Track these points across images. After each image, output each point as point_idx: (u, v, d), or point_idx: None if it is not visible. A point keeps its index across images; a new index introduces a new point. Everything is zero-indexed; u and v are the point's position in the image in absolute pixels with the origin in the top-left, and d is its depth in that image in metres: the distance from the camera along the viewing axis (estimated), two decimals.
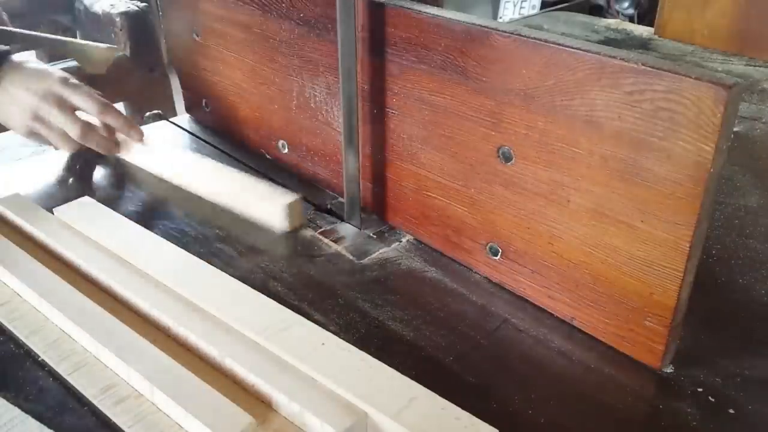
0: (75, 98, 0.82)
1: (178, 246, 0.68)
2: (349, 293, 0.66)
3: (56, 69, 0.85)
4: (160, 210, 0.80)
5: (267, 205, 0.75)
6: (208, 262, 0.65)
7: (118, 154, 0.88)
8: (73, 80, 0.84)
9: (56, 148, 0.86)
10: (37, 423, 0.51)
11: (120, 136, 0.87)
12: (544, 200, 0.60)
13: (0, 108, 0.82)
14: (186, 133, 0.99)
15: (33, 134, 0.84)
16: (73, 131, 0.82)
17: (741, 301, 0.66)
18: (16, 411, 0.52)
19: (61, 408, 0.52)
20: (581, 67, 0.53)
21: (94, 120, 0.85)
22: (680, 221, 0.51)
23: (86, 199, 0.75)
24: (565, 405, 0.54)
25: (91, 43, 0.98)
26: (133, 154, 0.88)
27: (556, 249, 0.61)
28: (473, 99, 0.62)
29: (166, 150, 0.87)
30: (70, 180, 0.86)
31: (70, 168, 0.88)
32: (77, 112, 0.84)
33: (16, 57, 0.83)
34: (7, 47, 0.83)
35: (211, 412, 0.48)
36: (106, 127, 0.86)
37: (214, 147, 0.94)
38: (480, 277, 0.69)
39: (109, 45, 0.97)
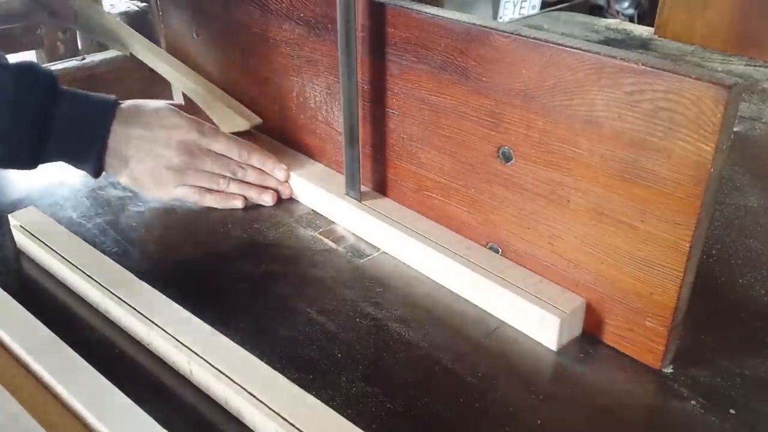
0: (216, 145, 0.77)
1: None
2: (349, 293, 0.66)
3: (180, 114, 0.76)
4: (161, 212, 0.79)
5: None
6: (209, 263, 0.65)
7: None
8: (207, 125, 0.77)
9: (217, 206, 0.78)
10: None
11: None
12: (544, 200, 0.60)
13: (134, 171, 0.74)
14: None
15: (185, 193, 0.77)
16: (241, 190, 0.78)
17: (741, 301, 0.66)
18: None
19: None
20: (581, 67, 0.53)
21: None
22: (680, 221, 0.51)
23: (32, 209, 0.73)
24: (565, 405, 0.54)
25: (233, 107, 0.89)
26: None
27: (556, 249, 0.61)
28: (473, 99, 0.62)
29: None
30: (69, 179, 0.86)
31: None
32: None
33: (127, 105, 0.75)
34: (112, 97, 0.74)
35: None
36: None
37: None
38: None
39: (250, 114, 0.89)
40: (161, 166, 0.74)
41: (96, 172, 0.73)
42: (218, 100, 0.90)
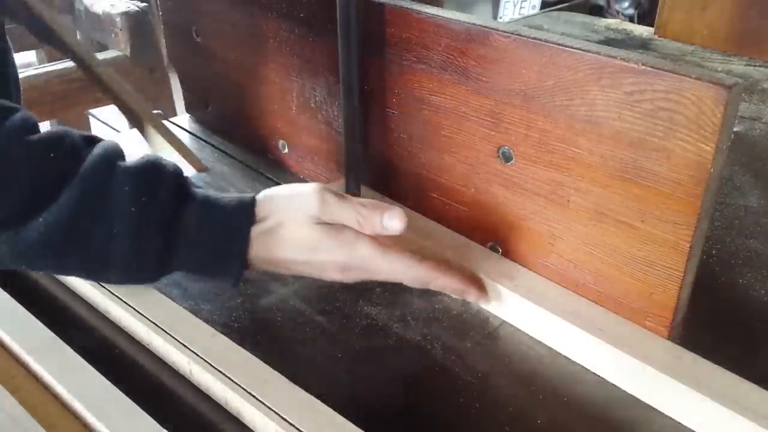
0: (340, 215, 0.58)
1: None
2: (349, 293, 0.66)
3: (330, 231, 0.57)
4: None
5: None
6: None
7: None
8: (329, 194, 0.58)
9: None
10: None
11: None
12: (544, 200, 0.60)
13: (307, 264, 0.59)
14: (186, 133, 0.99)
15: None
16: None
17: (741, 301, 0.66)
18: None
19: None
20: (581, 67, 0.53)
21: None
22: (680, 221, 0.51)
23: None
24: (566, 405, 0.54)
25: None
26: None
27: (556, 249, 0.61)
28: (473, 99, 0.62)
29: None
30: None
31: None
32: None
33: (265, 211, 0.58)
34: (252, 196, 0.58)
35: None
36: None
37: (214, 147, 0.94)
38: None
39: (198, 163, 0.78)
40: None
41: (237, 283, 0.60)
42: (166, 141, 0.80)
